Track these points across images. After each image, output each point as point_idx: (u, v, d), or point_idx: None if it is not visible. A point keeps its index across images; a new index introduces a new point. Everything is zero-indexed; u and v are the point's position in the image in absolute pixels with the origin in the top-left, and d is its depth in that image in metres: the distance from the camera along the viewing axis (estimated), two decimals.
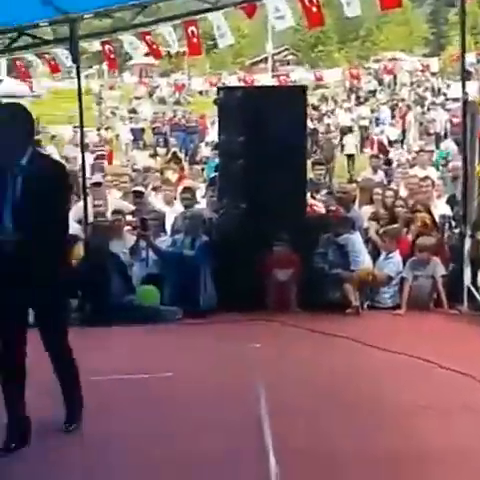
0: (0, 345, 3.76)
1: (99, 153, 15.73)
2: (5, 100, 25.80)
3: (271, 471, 3.52)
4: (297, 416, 4.20)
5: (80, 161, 7.88)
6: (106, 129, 21.03)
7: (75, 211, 8.20)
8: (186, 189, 8.55)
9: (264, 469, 3.54)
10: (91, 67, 31.44)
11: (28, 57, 10.09)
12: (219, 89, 8.14)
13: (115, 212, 7.92)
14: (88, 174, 9.48)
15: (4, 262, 3.62)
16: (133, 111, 24.16)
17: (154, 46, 8.14)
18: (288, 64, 41.43)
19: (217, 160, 12.71)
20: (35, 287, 3.70)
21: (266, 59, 37.98)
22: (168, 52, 32.65)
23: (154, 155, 15.93)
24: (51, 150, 14.88)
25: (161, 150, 17.06)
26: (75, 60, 7.36)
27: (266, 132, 6.81)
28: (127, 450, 3.83)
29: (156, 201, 9.10)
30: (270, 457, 3.65)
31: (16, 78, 27.74)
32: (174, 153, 14.79)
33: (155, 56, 8.26)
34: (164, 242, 7.39)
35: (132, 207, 8.59)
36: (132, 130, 20.73)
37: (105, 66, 33.63)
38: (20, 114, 3.77)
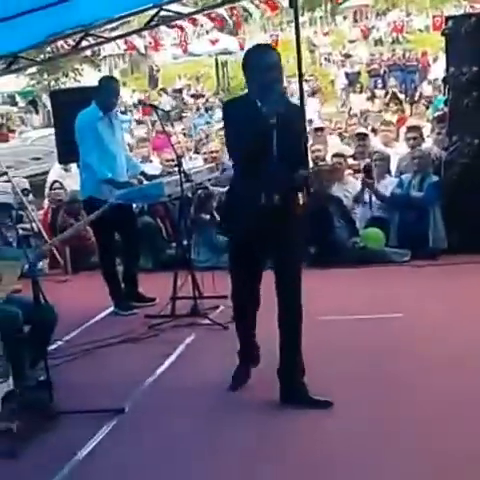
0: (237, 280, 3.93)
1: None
2: (221, 57, 27.00)
3: None
4: None
5: None
6: (315, 76, 21.10)
7: None
8: (412, 128, 8.38)
9: None
10: (302, 15, 31.54)
11: (244, 5, 10.42)
12: (447, 18, 7.78)
13: (336, 156, 8.01)
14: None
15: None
16: (347, 55, 23.93)
17: None
18: None
19: (440, 96, 12.30)
20: (285, 227, 3.77)
21: None
22: None
23: (371, 97, 15.75)
24: None
25: (379, 92, 16.80)
26: (292, 4, 7.44)
27: None
28: (364, 390, 3.94)
29: (377, 143, 9.05)
30: None
31: (230, 34, 29.10)
32: (393, 94, 14.50)
33: None
34: (388, 184, 7.34)
35: (351, 150, 8.66)
36: (347, 74, 20.64)
37: (317, 13, 33.83)
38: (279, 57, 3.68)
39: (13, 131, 19.40)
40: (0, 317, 3.93)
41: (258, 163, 3.63)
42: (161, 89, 23.80)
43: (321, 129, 9.32)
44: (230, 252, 4.06)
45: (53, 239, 6.26)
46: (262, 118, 3.56)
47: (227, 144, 3.83)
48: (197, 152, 10.92)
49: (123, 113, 18.53)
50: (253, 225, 3.70)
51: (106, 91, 5.74)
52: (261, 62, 3.58)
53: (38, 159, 13.69)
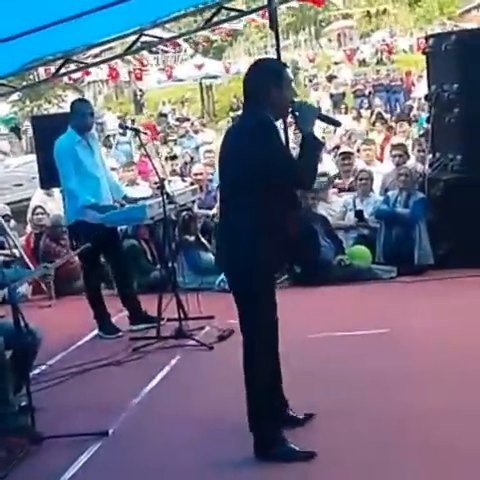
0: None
1: None
2: (206, 81, 27.17)
3: None
4: None
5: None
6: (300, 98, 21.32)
7: None
8: (397, 146, 8.53)
9: None
10: (287, 38, 31.97)
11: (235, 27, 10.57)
12: (427, 37, 7.96)
13: (321, 175, 8.10)
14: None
15: None
16: (332, 77, 24.24)
17: None
18: None
19: (423, 115, 12.47)
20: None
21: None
22: (368, 12, 32.32)
23: (357, 117, 15.96)
24: None
25: (365, 112, 17.02)
26: (273, 26, 7.58)
27: None
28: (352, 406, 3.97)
29: (360, 162, 9.17)
30: None
31: (211, 58, 29.48)
32: (379, 113, 14.71)
33: None
34: (373, 202, 7.43)
35: (336, 170, 8.78)
36: (332, 95, 20.90)
37: (301, 36, 34.31)
38: None
39: None
40: None
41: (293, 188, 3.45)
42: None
43: None
44: (262, 296, 3.37)
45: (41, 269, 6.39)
46: (310, 137, 3.33)
47: (278, 164, 3.25)
48: (183, 175, 11.01)
49: (122, 135, 18.49)
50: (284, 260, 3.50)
51: (79, 114, 5.79)
52: (289, 77, 3.41)
53: (20, 185, 13.72)
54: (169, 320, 5.54)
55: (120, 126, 12.59)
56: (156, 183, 8.31)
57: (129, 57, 17.44)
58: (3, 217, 7.91)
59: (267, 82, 3.30)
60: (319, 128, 13.11)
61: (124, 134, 18.09)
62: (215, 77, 27.01)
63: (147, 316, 5.86)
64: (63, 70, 8.70)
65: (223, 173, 3.46)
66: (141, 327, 5.76)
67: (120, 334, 5.75)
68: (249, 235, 3.30)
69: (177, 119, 22.71)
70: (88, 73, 16.16)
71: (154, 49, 22.84)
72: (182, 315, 5.52)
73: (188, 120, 21.77)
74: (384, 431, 3.59)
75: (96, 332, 5.84)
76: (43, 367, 4.95)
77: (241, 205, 3.32)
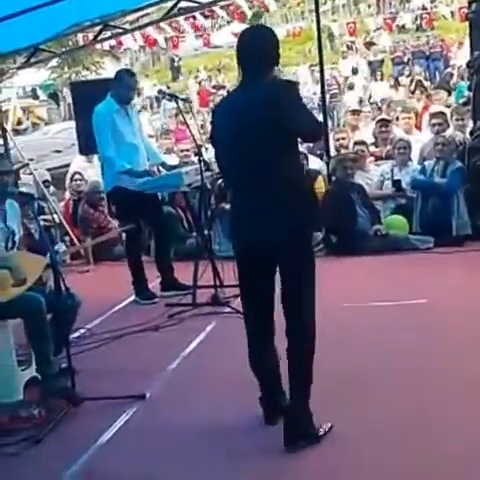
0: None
1: (332, 92, 15.93)
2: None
3: None
4: None
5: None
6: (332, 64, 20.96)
7: (316, 146, 8.53)
8: (437, 114, 8.33)
9: None
10: (325, 4, 31.37)
11: None
12: (470, 2, 7.73)
13: (358, 143, 8.00)
14: None
15: None
16: (370, 44, 23.76)
17: None
18: None
19: (463, 83, 12.22)
20: None
21: None
22: None
23: (395, 85, 15.67)
24: None
25: (404, 80, 16.69)
26: None
27: None
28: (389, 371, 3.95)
29: (399, 130, 9.01)
30: None
31: (248, 24, 29.06)
32: (419, 81, 14.41)
33: None
34: (411, 171, 7.30)
35: (372, 139, 8.66)
36: (370, 63, 20.52)
37: (339, 1, 33.62)
38: None
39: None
40: (23, 305, 3.99)
41: None
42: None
43: (358, 112, 9.60)
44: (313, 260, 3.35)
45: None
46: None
47: (312, 124, 3.31)
48: None
49: (167, 100, 18.39)
50: None
51: (123, 85, 5.74)
52: None
53: (59, 152, 13.81)
54: (204, 287, 5.55)
55: (159, 92, 12.55)
56: (183, 150, 8.36)
57: (165, 25, 17.25)
58: (43, 183, 7.98)
59: (277, 50, 3.34)
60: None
61: (170, 100, 17.95)
62: None
63: (178, 284, 5.88)
64: (101, 36, 8.68)
65: (263, 139, 3.21)
66: (171, 294, 5.79)
67: (156, 300, 5.79)
68: (308, 196, 3.35)
69: (213, 86, 22.56)
70: (122, 43, 16.14)
71: (191, 15, 22.62)
72: (218, 282, 5.54)
73: (224, 87, 21.61)
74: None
75: (133, 298, 5.89)
76: (82, 331, 5.04)
77: (293, 164, 3.33)
